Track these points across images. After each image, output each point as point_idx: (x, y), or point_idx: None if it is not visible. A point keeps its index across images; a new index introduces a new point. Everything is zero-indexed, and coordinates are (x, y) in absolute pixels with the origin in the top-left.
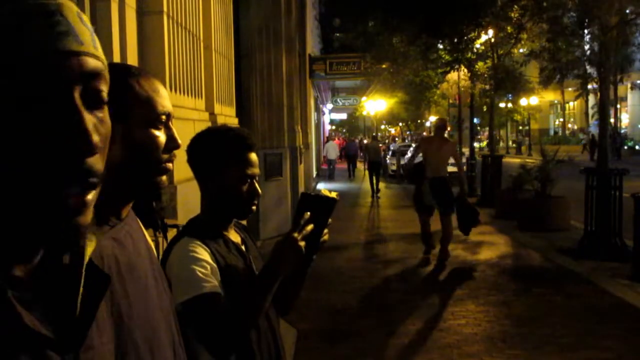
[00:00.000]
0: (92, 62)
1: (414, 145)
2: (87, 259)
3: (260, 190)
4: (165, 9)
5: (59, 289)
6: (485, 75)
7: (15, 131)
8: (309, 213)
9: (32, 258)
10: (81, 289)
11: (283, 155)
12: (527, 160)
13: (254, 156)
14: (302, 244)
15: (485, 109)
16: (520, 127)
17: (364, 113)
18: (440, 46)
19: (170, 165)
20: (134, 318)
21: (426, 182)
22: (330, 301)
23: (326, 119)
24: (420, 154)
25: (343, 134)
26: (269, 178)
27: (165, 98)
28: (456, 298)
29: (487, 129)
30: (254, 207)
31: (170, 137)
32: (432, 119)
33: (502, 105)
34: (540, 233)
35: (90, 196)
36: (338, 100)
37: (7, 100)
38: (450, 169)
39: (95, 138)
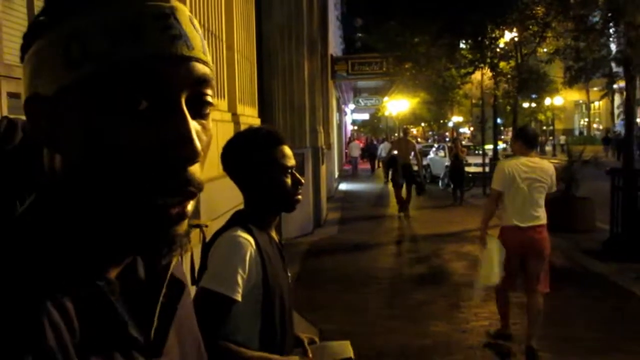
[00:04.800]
0: (201, 68)
1: (435, 145)
2: (172, 267)
3: (302, 179)
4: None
5: (140, 293)
6: (509, 76)
7: (120, 135)
8: None
9: (124, 261)
10: (162, 294)
11: (305, 156)
12: (552, 160)
13: (287, 149)
14: None
15: (508, 109)
16: (545, 127)
17: (386, 113)
18: (463, 46)
19: None
20: None
21: (399, 167)
22: (353, 302)
23: (348, 119)
24: (395, 150)
25: (365, 135)
26: None
27: None
28: (480, 299)
29: (511, 129)
30: (299, 197)
31: None
32: (455, 119)
33: (525, 105)
34: (565, 234)
35: (189, 206)
36: (360, 100)
37: (112, 103)
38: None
39: (199, 146)
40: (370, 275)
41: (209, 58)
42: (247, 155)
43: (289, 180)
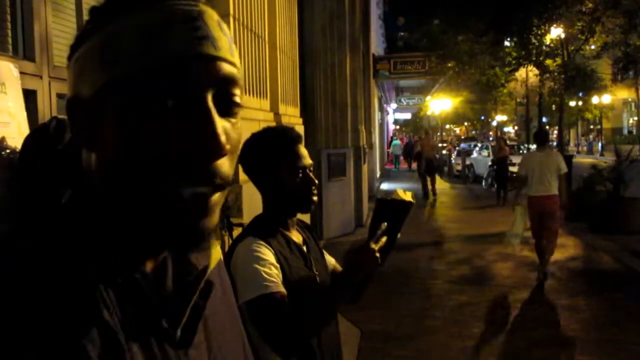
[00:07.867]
0: (227, 68)
1: (479, 145)
2: (213, 264)
3: (316, 180)
4: (231, 11)
5: (174, 287)
6: (555, 73)
7: (148, 131)
8: (385, 224)
9: (159, 255)
10: (198, 291)
11: (347, 155)
12: (600, 160)
13: (301, 148)
14: (378, 254)
15: (554, 107)
16: (592, 126)
17: (429, 112)
18: (508, 43)
19: None
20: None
21: (423, 160)
22: (395, 302)
23: (390, 118)
24: (419, 147)
25: (407, 134)
26: (333, 178)
27: None
28: (524, 301)
29: (557, 128)
30: (314, 197)
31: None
32: (499, 118)
33: (572, 103)
34: (613, 236)
35: (215, 198)
36: (402, 99)
37: (143, 102)
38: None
39: (224, 141)
40: (412, 275)
41: (236, 60)
42: (260, 154)
43: (301, 180)
